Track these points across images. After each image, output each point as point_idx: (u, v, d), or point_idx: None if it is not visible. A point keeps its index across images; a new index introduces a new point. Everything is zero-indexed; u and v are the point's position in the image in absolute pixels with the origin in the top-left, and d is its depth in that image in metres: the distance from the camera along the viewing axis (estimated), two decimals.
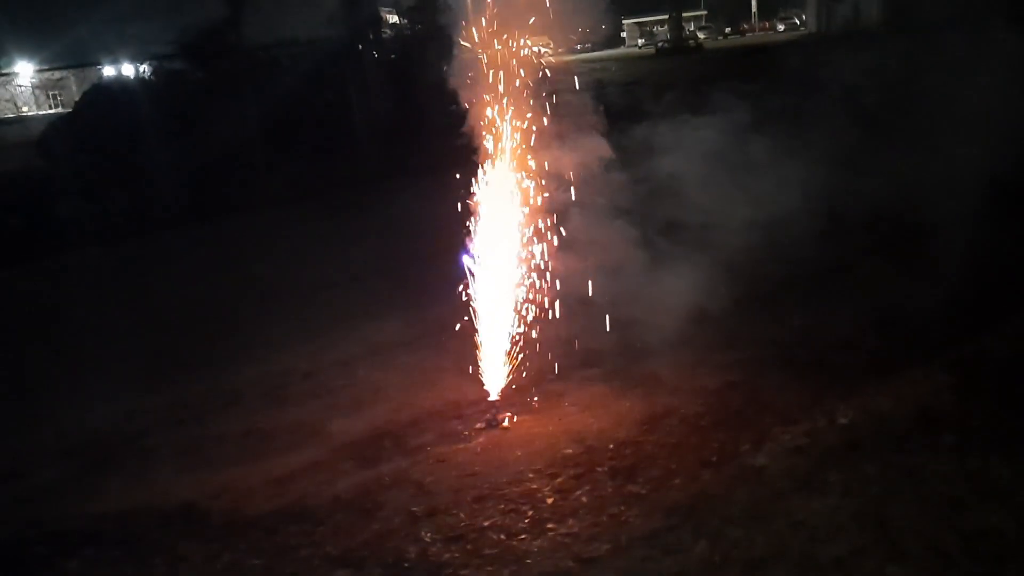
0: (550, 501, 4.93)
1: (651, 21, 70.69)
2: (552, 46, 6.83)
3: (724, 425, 5.59)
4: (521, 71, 6.46)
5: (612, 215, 6.98)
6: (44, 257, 13.42)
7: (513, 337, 6.64)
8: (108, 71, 28.43)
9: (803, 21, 60.09)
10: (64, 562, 4.93)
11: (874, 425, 5.32)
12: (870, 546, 4.11)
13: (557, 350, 6.69)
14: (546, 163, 6.55)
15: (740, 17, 73.28)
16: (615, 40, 61.87)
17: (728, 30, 71.91)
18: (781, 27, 65.35)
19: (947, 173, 8.25)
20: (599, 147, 6.81)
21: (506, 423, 6.08)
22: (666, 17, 59.41)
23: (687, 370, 6.56)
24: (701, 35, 63.90)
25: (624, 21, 68.08)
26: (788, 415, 5.58)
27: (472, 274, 6.52)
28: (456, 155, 6.74)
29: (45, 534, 5.28)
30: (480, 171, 6.47)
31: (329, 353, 7.84)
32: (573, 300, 6.69)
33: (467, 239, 6.48)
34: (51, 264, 13.20)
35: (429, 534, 4.73)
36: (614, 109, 8.11)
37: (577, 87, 7.21)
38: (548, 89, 6.63)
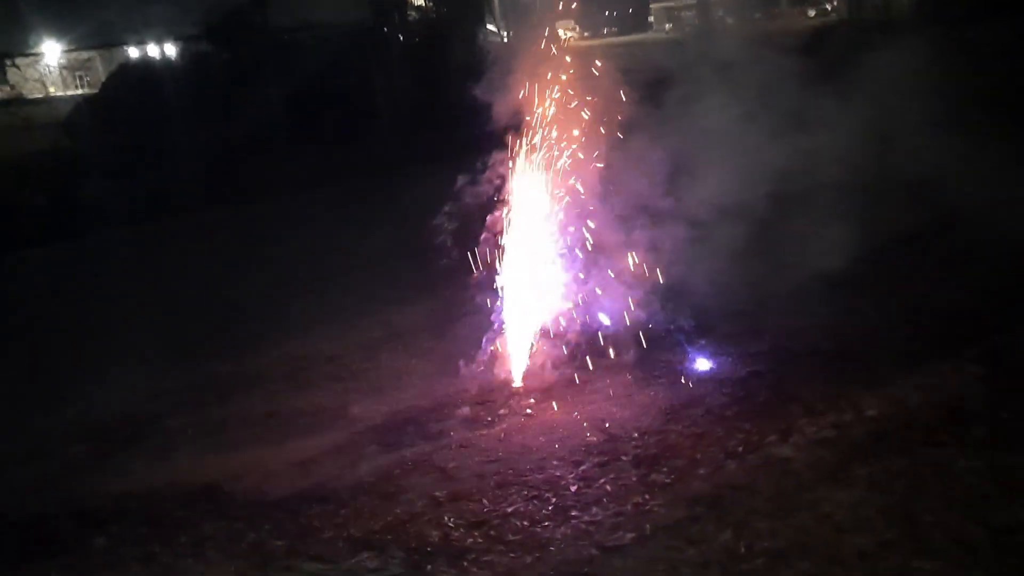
0: (573, 489, 4.91)
1: (679, 6, 70.02)
2: (578, 30, 6.81)
3: (749, 416, 5.53)
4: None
5: (642, 204, 6.93)
6: (68, 237, 13.53)
7: (537, 324, 6.61)
8: (134, 52, 28.53)
9: (834, 7, 59.36)
10: (91, 539, 4.99)
11: (902, 418, 5.26)
12: (896, 540, 4.06)
13: (581, 338, 6.65)
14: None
15: (770, 1, 72.48)
16: (642, 24, 61.34)
17: (758, 15, 71.16)
18: (812, 12, 64.63)
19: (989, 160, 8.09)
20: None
21: (529, 410, 6.07)
22: (695, 2, 58.80)
23: (712, 359, 6.52)
24: (730, 20, 63.20)
25: (652, 5, 67.50)
26: (814, 406, 5.52)
27: (498, 261, 6.51)
28: (482, 140, 6.73)
29: (72, 511, 5.33)
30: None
31: (352, 337, 7.85)
32: (598, 289, 6.66)
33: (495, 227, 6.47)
34: (75, 244, 13.31)
35: (452, 519, 4.73)
36: None
37: None
38: None
